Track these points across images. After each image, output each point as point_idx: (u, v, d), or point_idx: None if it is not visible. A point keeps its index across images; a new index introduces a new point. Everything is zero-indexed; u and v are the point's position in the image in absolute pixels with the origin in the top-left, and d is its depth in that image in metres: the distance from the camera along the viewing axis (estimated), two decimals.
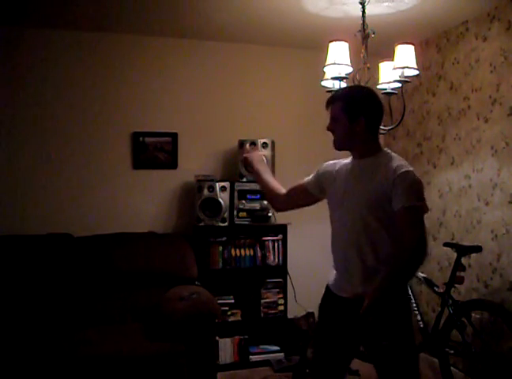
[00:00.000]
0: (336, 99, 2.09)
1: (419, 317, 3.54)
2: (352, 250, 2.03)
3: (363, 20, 2.86)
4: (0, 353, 2.71)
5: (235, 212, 3.86)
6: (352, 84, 2.16)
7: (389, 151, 2.11)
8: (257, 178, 2.42)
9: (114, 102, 3.91)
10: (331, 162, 2.24)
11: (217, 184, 3.79)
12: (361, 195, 2.01)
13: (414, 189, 1.95)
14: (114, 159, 3.92)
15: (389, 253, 1.97)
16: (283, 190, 2.33)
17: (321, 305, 2.22)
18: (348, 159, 2.16)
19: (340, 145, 2.12)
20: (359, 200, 2.01)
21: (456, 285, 3.34)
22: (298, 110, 4.26)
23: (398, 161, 2.02)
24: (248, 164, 2.41)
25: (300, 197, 2.30)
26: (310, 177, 2.28)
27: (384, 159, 2.04)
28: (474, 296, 3.41)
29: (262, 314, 3.91)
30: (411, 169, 1.99)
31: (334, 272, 2.15)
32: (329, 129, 2.12)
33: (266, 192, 2.41)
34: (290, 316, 3.91)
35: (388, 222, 1.97)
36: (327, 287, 2.18)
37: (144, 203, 3.95)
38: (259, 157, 2.43)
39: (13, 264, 3.30)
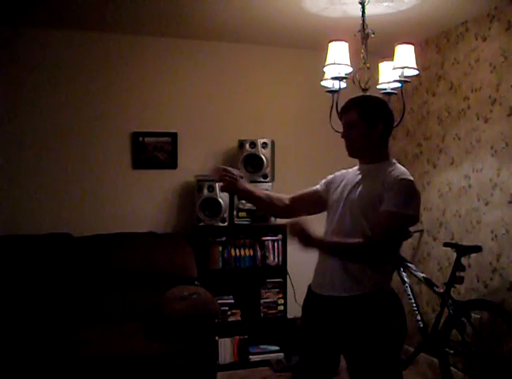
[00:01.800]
0: (352, 106, 2.09)
1: (419, 317, 3.55)
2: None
3: (363, 20, 2.86)
4: (0, 353, 2.71)
5: (235, 212, 3.86)
6: (364, 94, 2.16)
7: (395, 161, 2.12)
8: (247, 197, 2.32)
9: (114, 102, 3.91)
10: (343, 171, 2.24)
11: (217, 184, 3.78)
12: (357, 197, 2.02)
13: (407, 196, 1.94)
14: (114, 159, 3.92)
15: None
16: (283, 197, 2.32)
17: (303, 306, 2.23)
18: (356, 167, 2.18)
19: (356, 152, 2.12)
20: (354, 203, 2.02)
21: (456, 285, 3.34)
22: (298, 110, 4.26)
23: (401, 171, 2.03)
24: (229, 187, 2.18)
25: (309, 204, 2.29)
26: (320, 183, 2.29)
27: (389, 167, 2.05)
28: (474, 296, 3.41)
29: (262, 314, 3.91)
30: (411, 179, 2.00)
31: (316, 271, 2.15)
32: (344, 136, 2.11)
33: (264, 205, 2.33)
34: (290, 316, 3.91)
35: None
36: (309, 287, 2.19)
37: (144, 203, 3.95)
38: (238, 175, 2.21)
39: (12, 264, 3.30)
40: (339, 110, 2.18)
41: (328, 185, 2.24)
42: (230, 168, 2.21)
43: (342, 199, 2.09)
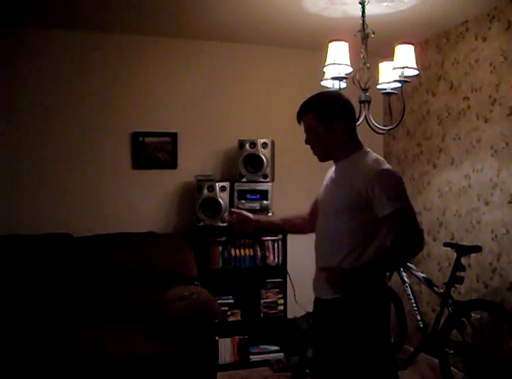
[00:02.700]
0: (306, 110, 2.03)
1: (419, 317, 3.55)
2: (323, 253, 2.04)
3: (363, 20, 2.86)
4: (0, 353, 2.71)
5: None
6: (317, 93, 2.09)
7: (368, 149, 2.04)
8: (266, 226, 2.39)
9: (114, 102, 3.91)
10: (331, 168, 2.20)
11: (217, 184, 3.79)
12: (335, 198, 1.99)
13: (395, 189, 1.89)
14: (114, 159, 3.92)
15: (357, 256, 1.92)
16: (303, 214, 2.31)
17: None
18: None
19: (323, 156, 2.06)
20: (333, 204, 2.00)
21: (456, 285, 3.34)
22: (298, 110, 4.25)
23: (373, 160, 1.95)
24: (242, 226, 2.31)
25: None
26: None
27: (361, 159, 1.98)
28: (474, 296, 3.41)
29: (262, 314, 3.91)
30: (386, 167, 1.93)
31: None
32: (307, 142, 2.06)
33: (288, 228, 2.40)
34: (290, 316, 3.91)
35: (359, 225, 1.92)
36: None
37: (144, 203, 3.95)
38: (247, 215, 2.31)
39: (12, 264, 3.30)
40: (299, 108, 2.10)
41: (322, 186, 2.24)
42: (238, 210, 2.34)
43: (323, 200, 2.09)
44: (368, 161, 1.95)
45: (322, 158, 2.07)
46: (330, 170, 2.14)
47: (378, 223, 1.91)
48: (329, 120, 1.99)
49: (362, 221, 1.92)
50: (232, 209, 2.41)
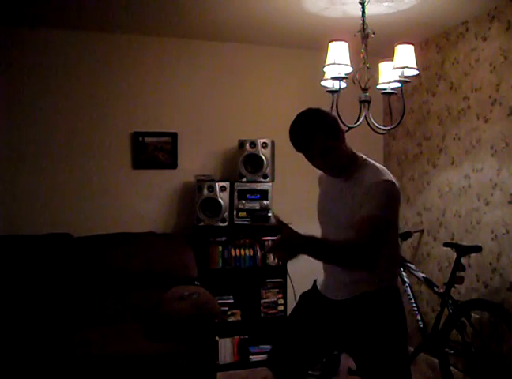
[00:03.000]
0: (312, 135, 1.93)
1: (419, 317, 3.55)
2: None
3: (363, 20, 2.86)
4: (0, 353, 2.71)
5: (235, 212, 3.86)
6: (296, 120, 2.03)
7: (364, 157, 2.05)
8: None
9: (114, 102, 3.91)
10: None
11: (217, 184, 3.79)
12: (343, 211, 1.97)
13: (382, 198, 1.87)
14: (114, 159, 3.92)
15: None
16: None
17: (303, 295, 2.23)
18: None
19: (339, 171, 2.01)
20: (341, 217, 1.98)
21: (456, 285, 3.34)
22: (298, 110, 4.20)
23: (375, 171, 1.95)
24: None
25: None
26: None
27: (362, 168, 1.98)
28: (474, 296, 3.41)
29: (262, 314, 3.91)
30: (385, 178, 1.91)
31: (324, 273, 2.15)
32: (322, 167, 2.00)
33: None
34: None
35: None
36: (314, 283, 2.20)
37: (144, 203, 3.95)
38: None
39: (12, 264, 3.29)
40: (297, 137, 2.00)
41: (320, 185, 2.25)
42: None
43: (333, 211, 2.04)
44: (369, 173, 1.95)
45: (339, 172, 2.02)
46: (329, 179, 2.10)
47: (390, 232, 1.92)
48: (336, 132, 1.95)
49: None
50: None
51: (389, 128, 3.02)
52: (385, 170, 1.98)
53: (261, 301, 3.91)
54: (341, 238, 1.92)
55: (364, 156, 2.06)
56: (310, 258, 2.18)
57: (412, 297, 3.62)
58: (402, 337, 2.02)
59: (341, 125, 2.05)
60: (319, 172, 2.20)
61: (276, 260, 1.81)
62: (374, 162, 2.04)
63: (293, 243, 1.80)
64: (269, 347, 3.93)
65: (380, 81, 2.96)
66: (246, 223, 3.86)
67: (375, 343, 1.95)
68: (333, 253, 1.84)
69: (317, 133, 1.93)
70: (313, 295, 2.19)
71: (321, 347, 2.15)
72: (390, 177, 1.94)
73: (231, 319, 3.84)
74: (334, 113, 2.82)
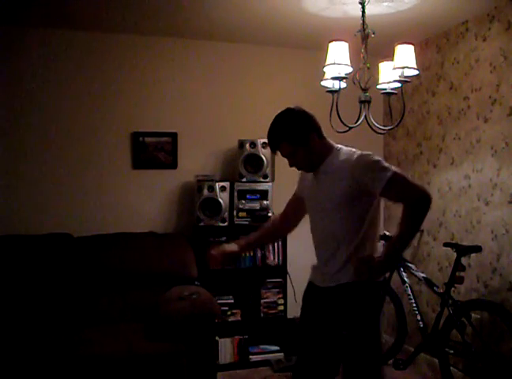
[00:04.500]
0: (278, 142, 2.09)
1: (419, 317, 3.55)
2: (325, 247, 2.10)
3: (363, 20, 2.86)
4: (0, 353, 2.71)
5: (235, 212, 3.86)
6: (275, 120, 2.14)
7: (339, 146, 2.14)
8: (249, 247, 2.49)
9: (114, 102, 3.91)
10: None
11: (217, 184, 3.79)
12: (329, 198, 2.06)
13: (376, 165, 1.98)
14: (114, 159, 3.92)
15: (358, 244, 2.02)
16: (276, 221, 2.41)
17: (303, 298, 2.29)
18: None
19: (311, 168, 2.15)
20: (326, 203, 2.07)
21: (456, 285, 3.34)
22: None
23: (348, 153, 2.06)
24: (221, 260, 2.28)
25: (299, 209, 2.31)
26: (296, 186, 2.36)
27: (338, 156, 2.08)
28: (474, 296, 3.41)
29: (262, 314, 3.91)
30: (359, 152, 2.03)
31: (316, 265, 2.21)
32: (292, 165, 2.16)
33: (269, 240, 2.59)
34: (290, 316, 3.91)
35: (355, 218, 2.02)
36: (308, 281, 2.25)
37: (144, 203, 3.95)
38: (230, 250, 2.31)
39: (12, 264, 3.30)
40: (268, 141, 2.15)
41: (300, 182, 2.32)
42: (218, 250, 2.29)
43: (313, 200, 2.16)
44: (345, 155, 2.06)
45: (311, 169, 2.16)
46: (308, 176, 2.20)
47: (372, 210, 2.03)
48: (303, 139, 2.07)
49: (357, 212, 2.02)
50: (212, 252, 2.29)
51: (389, 128, 3.02)
52: (357, 150, 2.09)
53: (261, 301, 3.91)
54: (327, 221, 2.06)
55: (340, 146, 2.14)
56: (310, 258, 2.21)
57: (412, 297, 3.62)
58: (373, 329, 2.07)
59: (315, 122, 2.12)
60: None
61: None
62: (349, 147, 2.12)
63: (382, 267, 2.00)
64: (268, 347, 3.95)
65: (380, 81, 2.96)
66: (246, 223, 3.86)
67: (347, 331, 2.01)
68: (413, 230, 1.97)
69: (283, 141, 2.08)
70: (308, 289, 2.26)
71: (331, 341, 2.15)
72: (363, 152, 2.05)
73: (231, 319, 3.84)
74: (334, 113, 2.84)
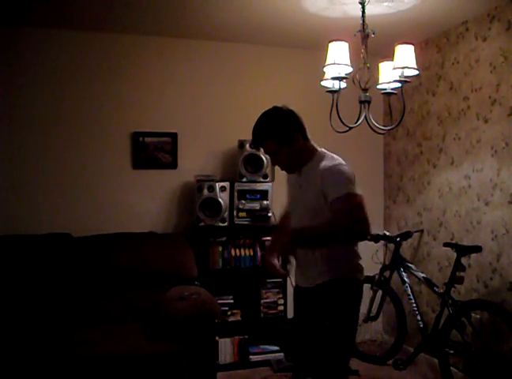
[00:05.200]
0: (263, 139, 2.12)
1: (419, 317, 3.55)
2: (305, 250, 2.14)
3: (363, 20, 2.86)
4: (0, 353, 2.71)
5: (235, 212, 3.86)
6: (260, 118, 2.19)
7: (324, 151, 2.16)
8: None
9: (114, 102, 3.91)
10: None
11: (217, 184, 3.79)
12: (304, 203, 2.11)
13: (342, 179, 1.99)
14: (114, 159, 3.92)
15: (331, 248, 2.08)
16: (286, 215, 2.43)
17: (294, 298, 2.35)
18: None
19: (293, 169, 2.18)
20: (303, 209, 2.12)
21: (456, 285, 3.34)
22: (298, 110, 4.20)
23: (327, 160, 2.08)
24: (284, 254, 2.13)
25: None
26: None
27: (320, 160, 2.10)
28: (474, 296, 3.41)
29: (262, 314, 3.91)
30: (337, 163, 2.05)
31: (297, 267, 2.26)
32: (275, 164, 2.20)
33: None
34: (290, 316, 3.90)
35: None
36: (295, 285, 2.32)
37: (145, 203, 3.95)
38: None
39: (12, 264, 3.29)
40: (252, 137, 2.18)
41: (287, 183, 2.34)
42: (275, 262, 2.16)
43: (294, 204, 2.21)
44: (324, 161, 2.08)
45: (293, 171, 2.19)
46: (293, 176, 2.24)
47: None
48: (288, 138, 2.10)
49: (328, 218, 2.02)
50: (270, 261, 2.15)
51: (389, 128, 3.02)
52: (340, 159, 2.10)
53: (261, 301, 3.91)
54: (301, 225, 2.10)
55: (325, 150, 2.17)
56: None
57: (412, 297, 3.62)
58: (349, 326, 2.14)
59: (302, 123, 2.16)
60: None
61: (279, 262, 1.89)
62: (332, 154, 2.15)
63: (285, 238, 2.02)
64: (268, 347, 3.95)
65: (380, 81, 2.96)
66: (246, 223, 3.86)
67: (323, 326, 2.07)
68: (324, 237, 1.99)
69: (268, 138, 2.11)
70: (297, 295, 2.33)
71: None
72: (343, 162, 2.08)
73: (231, 319, 3.84)
74: (334, 113, 2.84)
